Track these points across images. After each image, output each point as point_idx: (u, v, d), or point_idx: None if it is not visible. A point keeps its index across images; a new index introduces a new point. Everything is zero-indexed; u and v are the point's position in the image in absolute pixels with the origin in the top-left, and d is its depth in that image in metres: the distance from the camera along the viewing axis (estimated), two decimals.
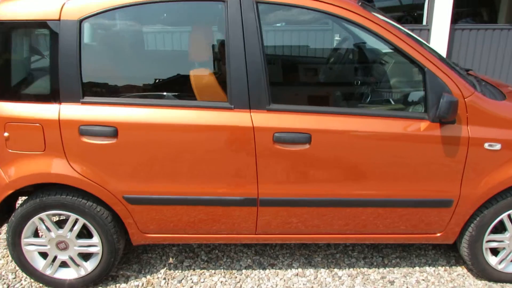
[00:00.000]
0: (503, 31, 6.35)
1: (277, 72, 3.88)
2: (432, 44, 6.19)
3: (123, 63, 2.71)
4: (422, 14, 6.51)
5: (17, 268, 2.81)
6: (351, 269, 2.87)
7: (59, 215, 2.50)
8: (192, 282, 2.75)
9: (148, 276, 2.80)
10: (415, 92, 2.61)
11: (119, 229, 2.57)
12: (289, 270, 2.86)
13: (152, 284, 2.73)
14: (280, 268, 2.88)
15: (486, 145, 2.37)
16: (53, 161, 2.36)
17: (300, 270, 2.86)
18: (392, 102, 2.88)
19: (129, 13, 2.43)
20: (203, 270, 2.86)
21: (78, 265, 2.62)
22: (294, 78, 3.97)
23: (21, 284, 2.72)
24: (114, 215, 2.53)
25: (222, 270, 2.86)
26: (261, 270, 2.86)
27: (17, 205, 2.76)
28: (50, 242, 2.55)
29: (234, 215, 2.52)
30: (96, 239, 2.53)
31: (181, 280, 2.76)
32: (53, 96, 2.32)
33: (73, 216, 2.48)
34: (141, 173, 2.39)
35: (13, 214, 2.50)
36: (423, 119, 2.36)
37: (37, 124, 2.31)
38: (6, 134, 2.33)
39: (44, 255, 2.61)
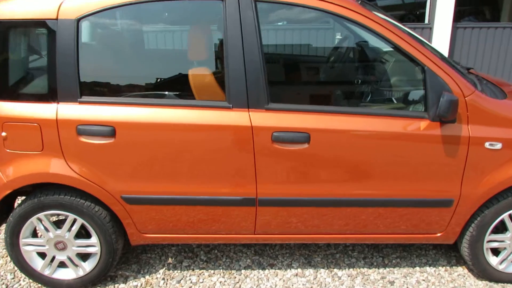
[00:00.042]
0: (505, 29, 6.32)
1: (276, 71, 3.87)
2: (434, 43, 6.16)
3: (121, 62, 2.70)
4: (424, 13, 6.48)
5: (16, 268, 2.80)
6: (351, 269, 2.85)
7: (58, 215, 2.50)
8: (191, 282, 2.74)
9: (147, 276, 2.79)
10: (415, 91, 2.59)
11: (118, 229, 2.56)
12: (288, 270, 2.85)
13: (151, 284, 2.72)
14: (279, 268, 2.86)
15: (486, 144, 2.35)
16: (51, 161, 2.35)
17: (299, 270, 2.85)
18: (393, 101, 2.86)
19: (127, 12, 2.42)
20: (202, 270, 2.85)
21: (76, 265, 2.61)
22: (293, 77, 3.95)
23: (20, 285, 2.71)
24: (113, 215, 2.52)
25: (221, 270, 2.85)
26: (260, 270, 2.85)
27: (16, 205, 2.75)
28: (49, 242, 2.54)
29: (232, 215, 2.50)
30: (94, 239, 2.53)
31: (180, 280, 2.75)
32: (50, 95, 2.31)
33: (71, 216, 2.47)
34: (139, 173, 2.38)
35: (11, 214, 2.50)
36: (423, 118, 2.34)
37: (35, 124, 2.30)
38: (3, 133, 2.32)
39: (42, 255, 2.61)
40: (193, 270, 2.85)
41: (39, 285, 2.69)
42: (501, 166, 2.39)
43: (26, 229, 2.50)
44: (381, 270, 2.85)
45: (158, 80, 2.69)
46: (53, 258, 2.59)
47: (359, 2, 2.44)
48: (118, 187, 2.40)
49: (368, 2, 2.76)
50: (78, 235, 2.55)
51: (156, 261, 2.93)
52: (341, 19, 2.33)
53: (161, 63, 3.15)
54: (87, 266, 2.61)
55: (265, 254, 3.01)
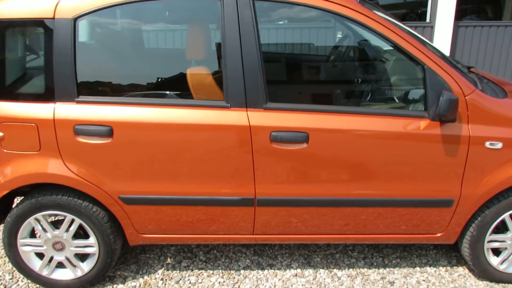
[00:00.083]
0: (507, 28, 6.28)
1: (274, 71, 3.85)
2: (436, 42, 6.13)
3: (118, 62, 2.68)
4: (426, 11, 6.45)
5: (14, 268, 2.79)
6: (351, 270, 2.84)
7: (55, 215, 2.49)
8: (189, 282, 2.73)
9: (146, 277, 2.78)
10: (415, 90, 2.57)
11: (116, 229, 2.55)
12: (288, 270, 2.83)
13: (149, 284, 2.71)
14: (278, 269, 2.85)
15: (487, 144, 2.33)
16: (49, 161, 2.34)
17: (299, 270, 2.83)
18: (393, 101, 2.84)
19: (123, 11, 2.40)
20: (201, 271, 2.83)
21: (74, 266, 2.60)
22: (292, 76, 3.93)
23: (18, 285, 2.71)
24: (111, 216, 2.51)
25: (220, 270, 2.84)
26: (259, 271, 2.83)
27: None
28: (47, 243, 2.53)
29: (231, 215, 2.49)
30: (92, 239, 2.51)
31: (179, 280, 2.74)
32: (48, 95, 2.30)
33: (69, 217, 2.46)
34: (137, 173, 2.36)
35: (9, 214, 2.49)
36: (423, 118, 2.32)
37: (32, 124, 2.29)
38: (1, 134, 2.31)
39: (40, 255, 2.60)
40: (192, 270, 2.84)
41: (37, 285, 2.68)
42: (502, 165, 2.37)
43: (24, 230, 2.49)
44: (381, 270, 2.83)
45: (156, 79, 2.67)
46: (51, 258, 2.58)
47: (359, 0, 2.42)
48: (116, 187, 2.39)
49: (368, 1, 2.74)
50: (76, 236, 2.54)
51: (155, 262, 2.92)
52: (340, 17, 2.31)
53: (158, 62, 3.14)
54: (85, 267, 2.60)
55: (264, 254, 2.99)
